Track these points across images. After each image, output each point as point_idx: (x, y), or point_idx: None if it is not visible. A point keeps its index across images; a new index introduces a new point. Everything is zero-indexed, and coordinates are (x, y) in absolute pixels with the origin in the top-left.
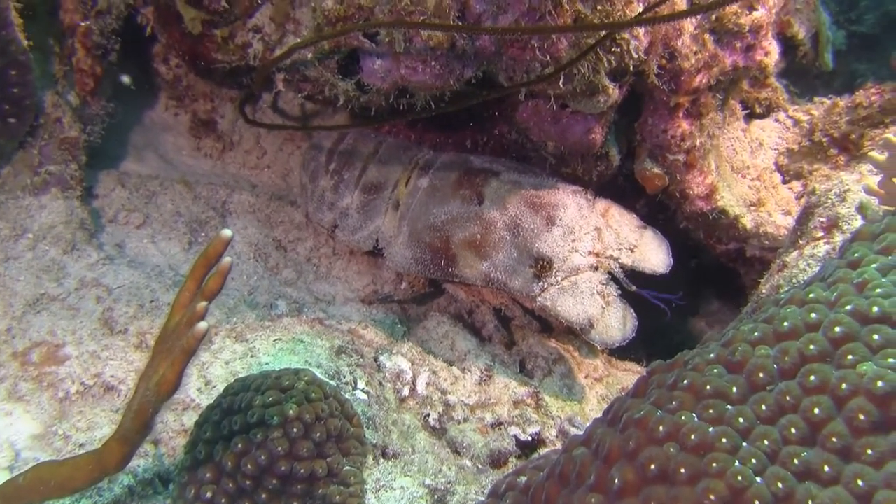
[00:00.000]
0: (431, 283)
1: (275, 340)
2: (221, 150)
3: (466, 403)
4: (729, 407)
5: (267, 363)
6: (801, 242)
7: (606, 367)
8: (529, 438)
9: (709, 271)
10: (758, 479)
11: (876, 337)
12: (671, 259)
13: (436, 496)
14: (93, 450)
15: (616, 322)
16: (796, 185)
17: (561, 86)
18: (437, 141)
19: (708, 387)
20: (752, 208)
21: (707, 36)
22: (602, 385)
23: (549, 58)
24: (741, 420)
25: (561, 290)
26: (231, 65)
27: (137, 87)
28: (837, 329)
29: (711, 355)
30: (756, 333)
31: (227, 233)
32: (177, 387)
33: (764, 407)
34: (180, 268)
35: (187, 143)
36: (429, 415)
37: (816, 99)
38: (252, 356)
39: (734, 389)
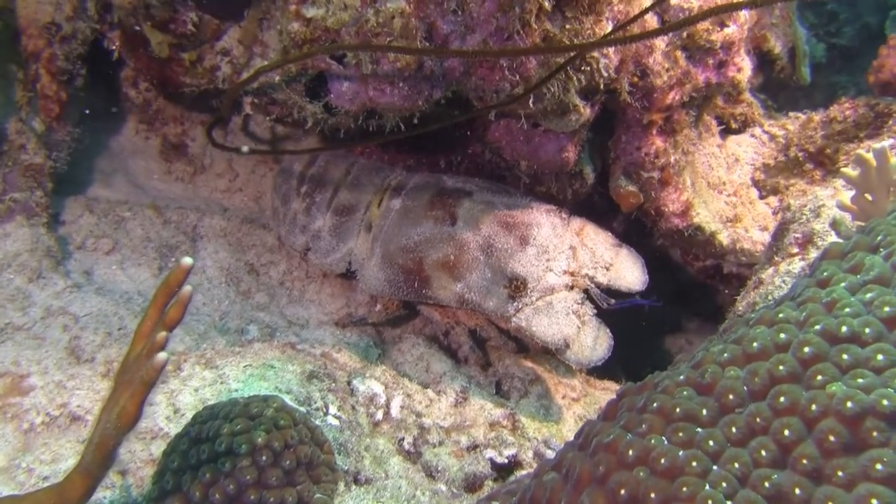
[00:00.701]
0: (406, 305)
1: (245, 367)
2: (193, 173)
3: (441, 426)
4: (699, 430)
5: (237, 390)
6: (776, 259)
7: (584, 386)
8: (506, 461)
9: (688, 289)
10: (728, 502)
11: (845, 357)
12: (647, 276)
13: None
14: (54, 483)
15: (591, 342)
16: (773, 201)
17: (531, 105)
18: (410, 163)
19: (677, 409)
20: (729, 224)
21: (679, 53)
22: (580, 405)
23: (518, 77)
24: (711, 443)
25: (536, 311)
26: (199, 88)
27: (106, 112)
28: (807, 349)
29: (681, 377)
30: (725, 355)
31: (187, 261)
32: (137, 418)
33: (734, 429)
34: (150, 294)
35: (158, 167)
36: (403, 439)
37: (791, 114)
38: (222, 383)
39: (704, 412)
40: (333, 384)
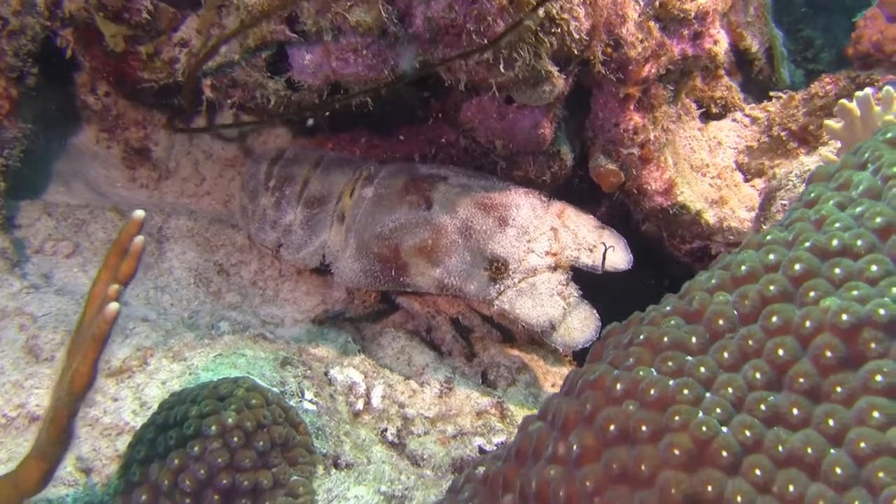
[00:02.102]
0: (385, 299)
1: (215, 356)
2: (157, 178)
3: (426, 416)
4: (689, 358)
5: (206, 379)
6: (765, 228)
7: None
8: (494, 448)
9: (676, 277)
10: (724, 428)
11: (837, 271)
12: (631, 255)
13: (392, 502)
14: (8, 472)
15: (578, 323)
16: (759, 183)
17: (502, 70)
18: (382, 156)
19: (665, 339)
20: (714, 205)
21: (652, 24)
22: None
23: (486, 41)
24: (702, 370)
25: (519, 293)
26: (159, 83)
27: (64, 119)
28: (797, 266)
29: (668, 308)
30: (713, 281)
31: (138, 213)
32: (91, 381)
33: (726, 354)
34: None
35: (121, 174)
36: (386, 429)
37: (772, 94)
38: (191, 374)
39: (693, 339)
40: (309, 371)
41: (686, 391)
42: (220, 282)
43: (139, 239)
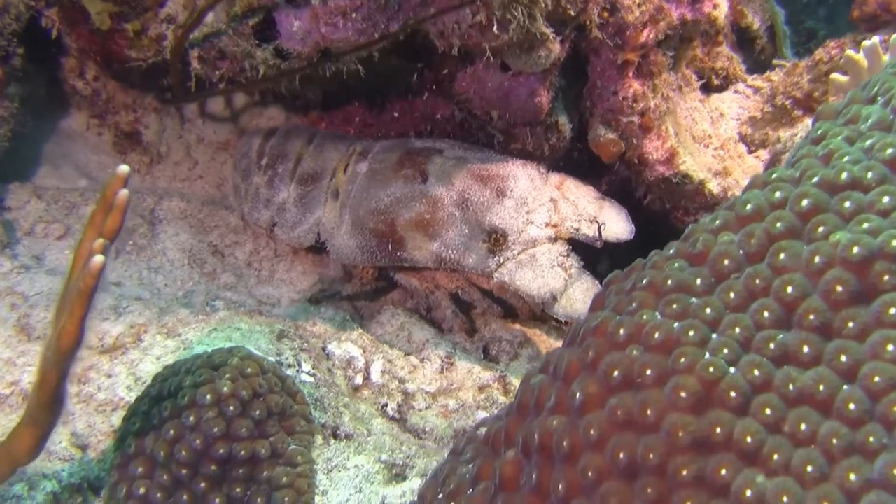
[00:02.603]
0: (383, 277)
1: (209, 331)
2: (149, 163)
3: (427, 391)
4: (694, 300)
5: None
6: None
7: None
8: None
9: None
10: (731, 369)
11: (847, 204)
12: (633, 226)
13: (394, 471)
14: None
15: (580, 294)
16: (763, 154)
17: (496, 31)
18: (377, 134)
19: (669, 282)
20: (718, 176)
21: None
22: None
23: (479, 2)
24: (708, 311)
25: (519, 264)
26: (147, 62)
27: (53, 104)
28: (805, 202)
29: (671, 251)
30: (717, 221)
31: (123, 167)
32: (80, 339)
33: (732, 294)
34: (108, 275)
35: (112, 160)
36: (386, 405)
37: (775, 62)
38: (185, 348)
39: (698, 281)
40: (306, 344)
41: (691, 333)
42: (214, 263)
43: (124, 192)
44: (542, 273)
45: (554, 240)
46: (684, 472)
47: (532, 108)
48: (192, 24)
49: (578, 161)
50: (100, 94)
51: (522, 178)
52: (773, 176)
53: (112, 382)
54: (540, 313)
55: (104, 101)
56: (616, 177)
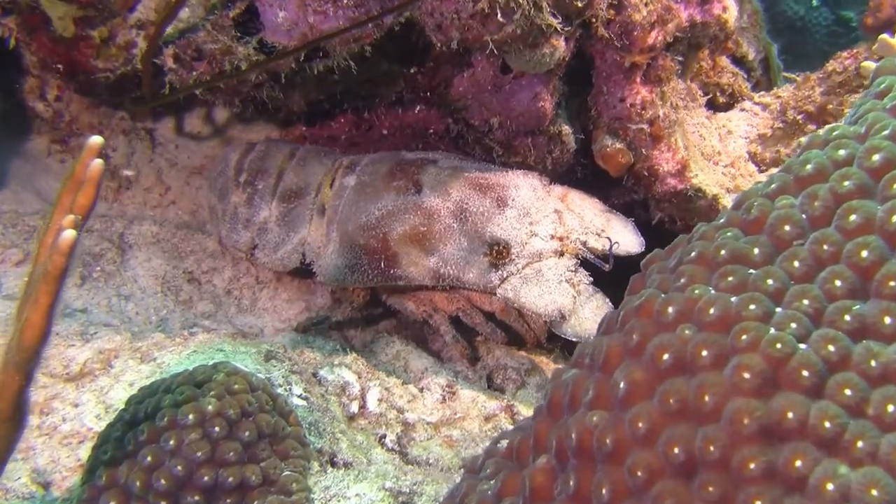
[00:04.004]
0: (375, 303)
1: (189, 354)
2: (117, 189)
3: (429, 422)
4: (752, 271)
5: None
6: None
7: None
8: None
9: None
10: (801, 345)
11: None
12: (642, 238)
13: (400, 499)
14: None
15: (590, 313)
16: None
17: (500, 19)
18: (364, 153)
19: (722, 252)
20: (731, 193)
21: None
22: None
23: None
24: (770, 282)
25: (523, 279)
26: (115, 73)
27: (11, 126)
28: (876, 157)
29: (722, 220)
30: (773, 185)
31: (95, 138)
32: (46, 332)
33: (796, 263)
34: (72, 303)
35: None
36: (385, 436)
37: (785, 74)
38: (162, 373)
39: (756, 251)
40: (296, 367)
41: (753, 306)
42: (190, 290)
43: (98, 162)
44: (549, 289)
45: (560, 254)
46: (752, 466)
47: (535, 114)
48: (168, 16)
49: (582, 177)
50: (62, 116)
51: (524, 187)
52: (835, 133)
53: (79, 412)
54: (545, 341)
55: (67, 124)
56: (619, 200)
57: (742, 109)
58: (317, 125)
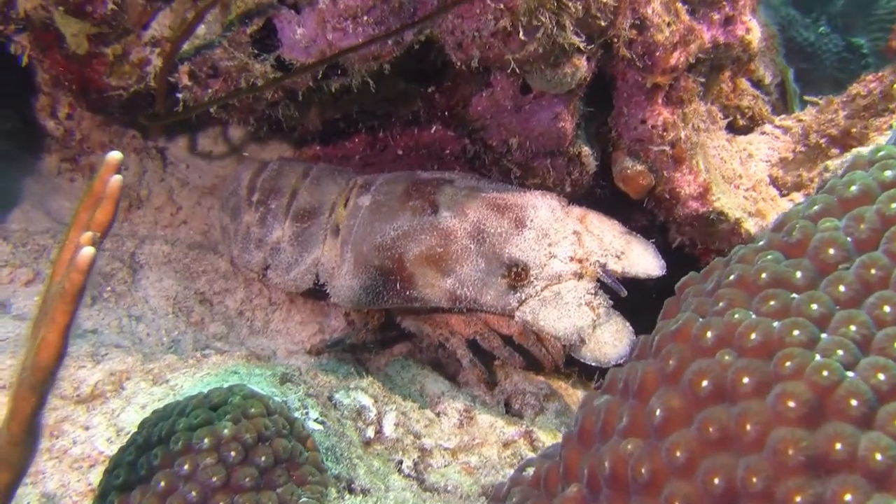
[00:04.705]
0: (390, 327)
1: (202, 377)
2: (127, 208)
3: (446, 447)
4: (795, 295)
5: None
6: None
7: None
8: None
9: None
10: (849, 373)
11: None
12: (663, 261)
13: None
14: None
15: (610, 336)
16: (798, 197)
17: (522, 38)
18: (380, 171)
19: (763, 275)
20: (753, 217)
21: (679, 5)
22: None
23: (503, 6)
24: (815, 307)
25: (543, 302)
26: (128, 91)
27: (23, 144)
28: None
29: (762, 242)
30: (815, 207)
31: (114, 155)
32: (62, 352)
33: (842, 288)
34: (83, 323)
35: None
36: (402, 462)
37: (806, 98)
38: (174, 395)
39: (798, 274)
40: (312, 390)
41: (797, 332)
42: (202, 311)
43: (116, 178)
44: (568, 312)
45: (579, 276)
46: (798, 499)
47: (555, 135)
48: (185, 33)
49: (601, 199)
50: (73, 134)
51: (542, 207)
52: (880, 154)
53: (90, 435)
54: (563, 365)
55: (78, 142)
56: (635, 223)
57: (763, 133)
58: (331, 144)
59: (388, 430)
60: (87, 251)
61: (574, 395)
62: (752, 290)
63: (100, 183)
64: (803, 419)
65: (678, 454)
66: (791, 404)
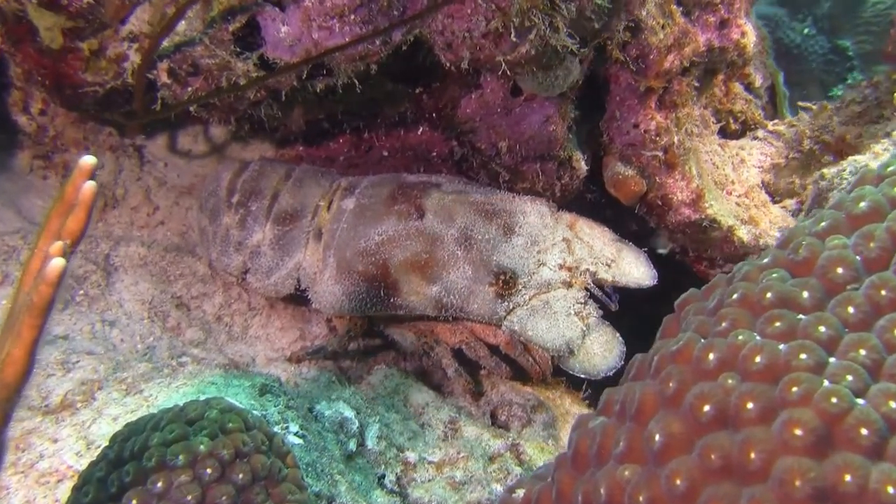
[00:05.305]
0: (373, 335)
1: (177, 387)
2: (102, 208)
3: (430, 461)
4: (801, 316)
5: None
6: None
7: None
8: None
9: None
10: (859, 400)
11: None
12: (655, 271)
13: None
14: None
15: (600, 348)
16: (790, 203)
17: (513, 39)
18: (365, 173)
19: (768, 295)
20: (747, 225)
21: (674, 7)
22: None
23: (494, 6)
24: (822, 329)
25: (531, 311)
26: (105, 87)
27: None
28: None
29: (766, 260)
30: (822, 224)
31: (87, 159)
32: (29, 368)
33: (851, 309)
34: (53, 328)
35: None
36: (384, 476)
37: (800, 103)
38: (149, 407)
39: (805, 294)
40: (292, 402)
41: (804, 356)
42: (179, 316)
43: (90, 184)
44: (557, 322)
45: (569, 285)
46: None
47: (546, 139)
48: (165, 29)
49: (591, 204)
50: (46, 131)
51: (531, 213)
52: (890, 168)
53: (58, 448)
54: (551, 375)
55: (51, 139)
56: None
57: (755, 137)
58: (314, 145)
59: (371, 442)
60: (57, 263)
61: (562, 407)
62: (756, 310)
63: (72, 188)
64: (811, 448)
65: (678, 482)
66: (798, 432)
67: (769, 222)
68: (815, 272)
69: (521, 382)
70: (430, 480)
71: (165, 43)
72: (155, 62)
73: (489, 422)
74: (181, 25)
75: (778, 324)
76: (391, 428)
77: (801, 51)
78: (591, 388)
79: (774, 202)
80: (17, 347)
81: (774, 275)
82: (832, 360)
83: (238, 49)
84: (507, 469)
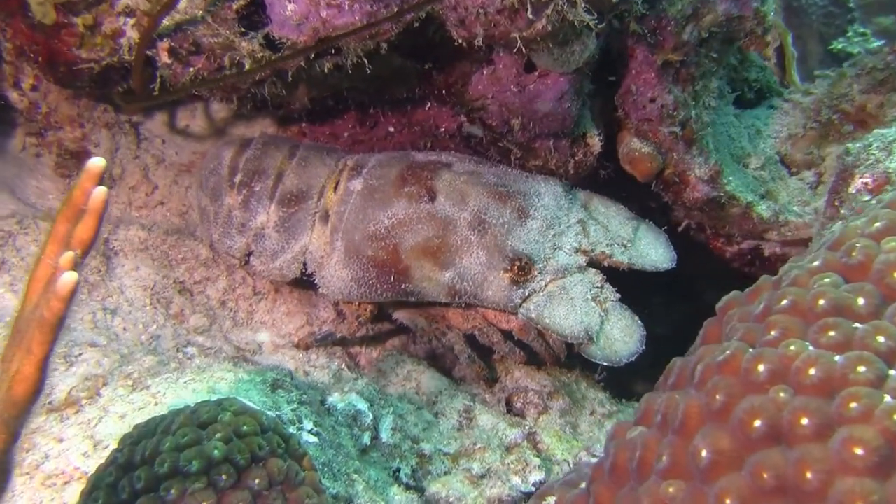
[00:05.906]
0: (382, 318)
1: (186, 382)
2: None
3: (446, 452)
4: (857, 325)
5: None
6: (844, 212)
7: (614, 402)
8: (532, 488)
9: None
10: None
11: None
12: (674, 252)
13: None
14: None
15: (619, 333)
16: (808, 175)
17: (530, 16)
18: (370, 150)
19: (821, 302)
20: (764, 199)
21: None
22: (612, 423)
23: None
24: (881, 340)
25: (548, 297)
26: (100, 64)
27: None
28: None
29: (816, 263)
30: (877, 224)
31: (96, 162)
32: (40, 385)
33: None
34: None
35: (54, 185)
36: (399, 469)
37: (817, 72)
38: (156, 404)
39: (860, 301)
40: (304, 396)
41: (862, 368)
42: (182, 302)
43: (101, 190)
44: (575, 308)
45: (585, 268)
46: None
47: (560, 116)
48: (166, 6)
49: (605, 181)
50: (38, 107)
51: (546, 195)
52: None
53: (64, 448)
54: (564, 359)
55: (44, 115)
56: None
57: (771, 107)
58: (318, 121)
59: (385, 435)
60: (69, 277)
61: (578, 392)
62: (808, 317)
63: (80, 192)
64: (873, 469)
65: (728, 502)
66: (859, 451)
67: (787, 195)
68: (871, 277)
69: (536, 367)
70: (446, 473)
71: (166, 21)
72: (154, 41)
73: (504, 409)
74: (182, 3)
75: (832, 333)
76: (405, 419)
77: (800, 4)
78: (606, 371)
79: (791, 174)
80: (27, 364)
81: (827, 279)
82: (892, 373)
83: (242, 28)
84: (526, 460)
